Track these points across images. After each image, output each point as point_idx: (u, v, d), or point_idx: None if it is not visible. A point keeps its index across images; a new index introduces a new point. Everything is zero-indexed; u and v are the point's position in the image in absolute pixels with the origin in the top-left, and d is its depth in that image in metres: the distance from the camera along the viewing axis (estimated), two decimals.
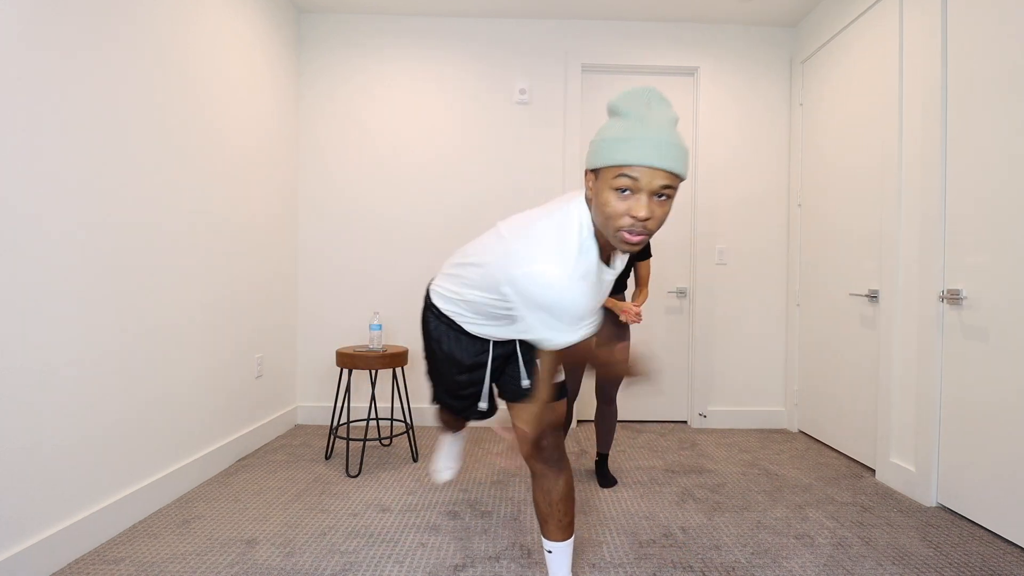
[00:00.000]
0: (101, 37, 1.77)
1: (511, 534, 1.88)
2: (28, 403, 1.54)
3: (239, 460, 2.59)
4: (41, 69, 1.57)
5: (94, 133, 1.76)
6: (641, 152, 0.95)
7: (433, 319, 1.42)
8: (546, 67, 3.29)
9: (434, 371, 1.49)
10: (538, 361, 1.42)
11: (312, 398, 3.30)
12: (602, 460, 2.42)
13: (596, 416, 2.42)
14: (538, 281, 1.04)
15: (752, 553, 1.78)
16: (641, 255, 2.31)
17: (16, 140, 1.50)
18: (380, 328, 2.60)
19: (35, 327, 1.56)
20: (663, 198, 0.98)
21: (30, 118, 1.54)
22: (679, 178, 0.98)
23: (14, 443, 1.51)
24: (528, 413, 1.33)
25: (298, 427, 3.21)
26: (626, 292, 2.42)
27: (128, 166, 1.91)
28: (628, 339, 2.32)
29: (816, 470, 2.58)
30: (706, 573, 1.67)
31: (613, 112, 1.04)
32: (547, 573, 1.49)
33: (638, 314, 2.21)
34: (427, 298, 1.46)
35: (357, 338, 3.29)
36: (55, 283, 1.62)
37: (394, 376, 2.75)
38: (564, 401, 1.43)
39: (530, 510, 2.06)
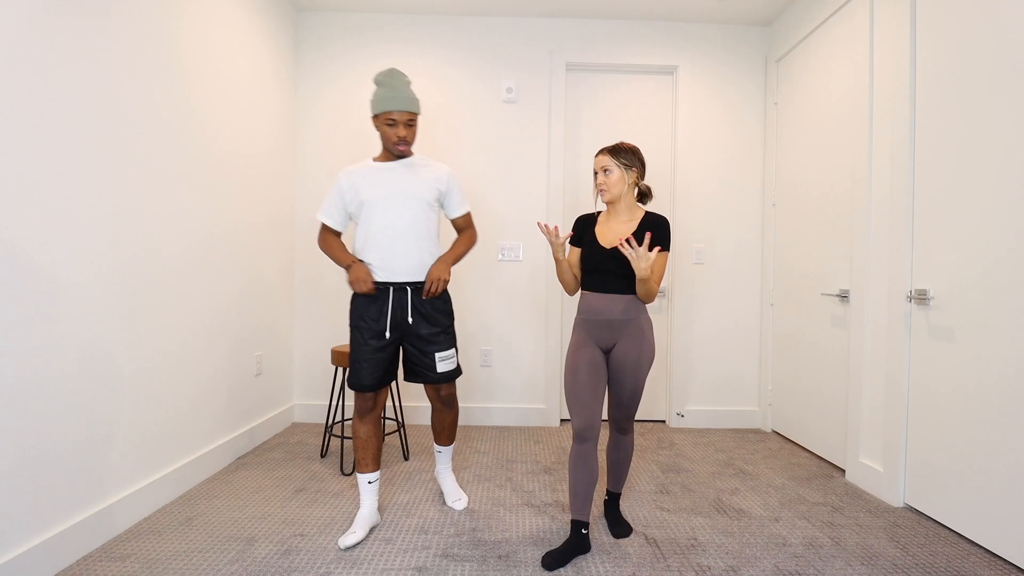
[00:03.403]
0: (94, 32, 1.72)
1: (500, 529, 1.88)
2: (33, 404, 1.57)
3: (239, 458, 2.64)
4: (34, 71, 1.55)
5: (94, 137, 1.76)
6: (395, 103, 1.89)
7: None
8: (532, 66, 3.33)
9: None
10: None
11: (308, 396, 3.34)
12: (613, 501, 2.03)
13: (608, 447, 1.99)
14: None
15: (727, 553, 1.80)
16: (653, 242, 1.82)
17: (12, 145, 1.49)
18: None
19: (37, 329, 1.58)
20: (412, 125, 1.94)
21: (24, 123, 1.52)
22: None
23: (21, 443, 1.54)
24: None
25: (295, 425, 3.25)
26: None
27: (130, 170, 1.92)
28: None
29: (788, 470, 2.62)
30: (682, 572, 1.68)
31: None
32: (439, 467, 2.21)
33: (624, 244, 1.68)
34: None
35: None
36: (55, 285, 1.64)
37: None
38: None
39: (516, 506, 2.08)
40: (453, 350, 2.03)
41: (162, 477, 2.09)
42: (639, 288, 1.75)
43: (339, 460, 2.59)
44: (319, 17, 3.29)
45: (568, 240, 1.94)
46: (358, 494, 2.24)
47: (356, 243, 1.99)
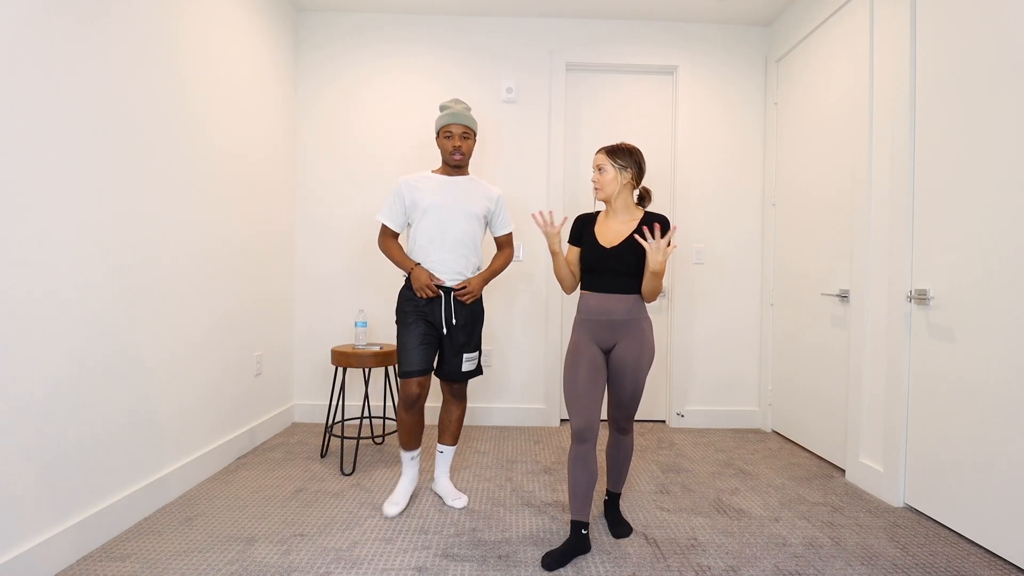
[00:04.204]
0: (94, 32, 1.71)
1: (500, 529, 1.88)
2: (32, 404, 1.57)
3: (239, 458, 2.64)
4: (34, 71, 1.54)
5: (94, 137, 1.75)
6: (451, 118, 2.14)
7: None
8: (532, 66, 3.34)
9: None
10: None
11: (309, 396, 3.34)
12: (613, 501, 2.02)
13: (608, 447, 2.00)
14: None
15: (727, 553, 1.80)
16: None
17: (12, 145, 1.49)
18: (365, 325, 2.64)
19: (35, 329, 1.57)
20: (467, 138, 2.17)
21: (24, 123, 1.52)
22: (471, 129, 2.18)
23: (21, 442, 1.53)
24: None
25: (295, 425, 3.26)
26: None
27: (130, 170, 1.93)
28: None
29: (788, 470, 2.62)
30: (682, 572, 1.68)
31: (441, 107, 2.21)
32: (436, 467, 2.27)
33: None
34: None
35: (352, 337, 3.34)
36: (58, 287, 1.65)
37: (387, 374, 2.78)
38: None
39: (516, 506, 2.08)
40: (477, 352, 2.22)
41: (162, 477, 2.09)
42: (648, 283, 1.74)
43: (339, 460, 2.59)
44: (319, 17, 3.29)
45: (565, 236, 1.94)
46: (361, 493, 2.26)
47: (410, 244, 2.19)
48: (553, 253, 1.86)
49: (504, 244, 2.32)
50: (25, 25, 1.51)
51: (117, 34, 1.85)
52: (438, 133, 2.19)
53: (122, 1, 1.87)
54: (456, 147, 2.14)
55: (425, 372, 2.08)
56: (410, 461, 2.18)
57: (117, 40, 1.85)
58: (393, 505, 2.09)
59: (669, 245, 1.67)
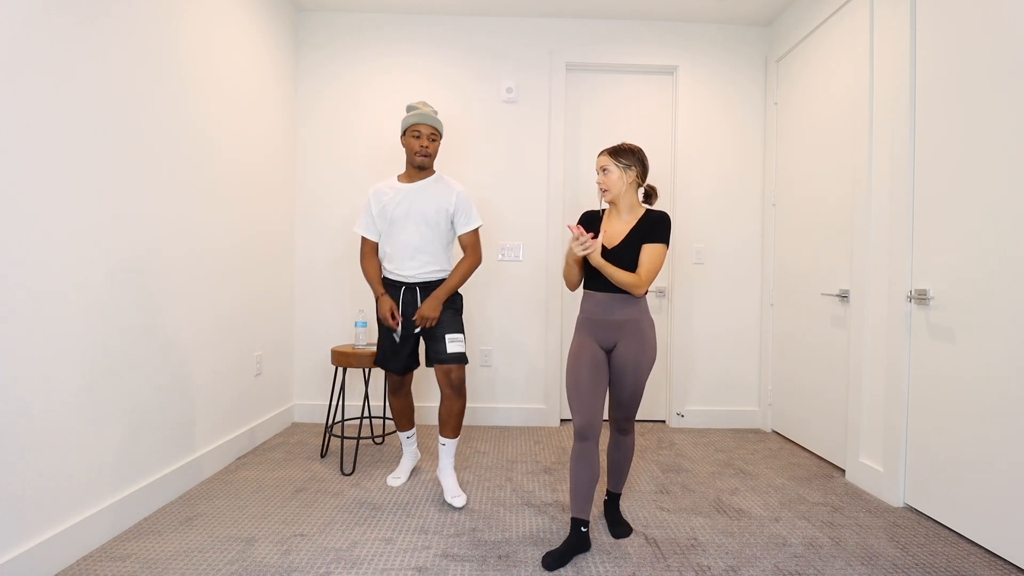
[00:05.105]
0: (94, 32, 1.71)
1: (500, 529, 1.88)
2: (32, 404, 1.57)
3: (239, 458, 2.64)
4: (34, 71, 1.53)
5: (94, 138, 1.73)
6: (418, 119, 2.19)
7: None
8: (532, 66, 3.34)
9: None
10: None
11: (308, 396, 3.35)
12: (613, 501, 2.02)
13: (609, 447, 1.99)
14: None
15: (727, 553, 1.80)
16: (648, 236, 1.81)
17: (12, 145, 1.48)
18: (365, 325, 2.63)
19: (40, 330, 1.58)
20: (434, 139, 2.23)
21: (24, 123, 1.51)
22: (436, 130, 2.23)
23: (21, 442, 1.53)
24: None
25: (295, 425, 3.26)
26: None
27: (130, 170, 1.92)
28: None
29: (788, 470, 2.62)
30: (682, 572, 1.68)
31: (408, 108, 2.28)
32: (439, 459, 2.27)
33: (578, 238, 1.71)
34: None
35: (352, 337, 3.34)
36: (58, 287, 1.65)
37: (386, 374, 2.75)
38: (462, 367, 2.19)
39: (516, 506, 2.08)
40: (462, 335, 2.22)
41: (162, 477, 2.09)
42: (606, 276, 1.76)
43: (339, 460, 2.59)
44: (319, 17, 3.29)
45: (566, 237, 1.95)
46: (361, 492, 2.27)
47: (381, 251, 2.31)
48: (570, 262, 1.82)
49: (467, 244, 2.28)
50: (25, 25, 1.51)
51: (117, 34, 1.85)
52: (404, 132, 2.23)
53: (122, 1, 1.87)
54: (423, 146, 2.19)
55: (403, 372, 2.29)
56: (407, 440, 2.43)
57: (117, 40, 1.85)
58: (395, 479, 2.37)
59: (596, 239, 1.72)
